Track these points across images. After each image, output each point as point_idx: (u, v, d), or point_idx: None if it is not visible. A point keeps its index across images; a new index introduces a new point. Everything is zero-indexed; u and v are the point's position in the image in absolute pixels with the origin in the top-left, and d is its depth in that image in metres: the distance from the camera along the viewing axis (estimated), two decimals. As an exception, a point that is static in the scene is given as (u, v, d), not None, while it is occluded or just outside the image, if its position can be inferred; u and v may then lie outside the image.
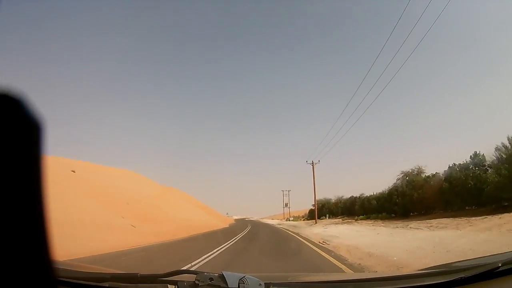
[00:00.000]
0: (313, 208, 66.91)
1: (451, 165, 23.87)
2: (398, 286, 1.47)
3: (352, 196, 45.41)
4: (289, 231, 24.47)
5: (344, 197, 51.45)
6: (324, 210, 54.54)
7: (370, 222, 28.38)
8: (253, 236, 19.30)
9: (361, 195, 43.33)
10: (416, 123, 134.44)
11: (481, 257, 2.02)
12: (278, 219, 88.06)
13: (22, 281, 0.41)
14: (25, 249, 0.41)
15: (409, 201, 26.72)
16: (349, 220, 33.51)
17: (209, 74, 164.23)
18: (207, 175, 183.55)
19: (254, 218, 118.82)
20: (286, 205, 74.73)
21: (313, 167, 38.05)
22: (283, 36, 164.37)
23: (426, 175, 28.04)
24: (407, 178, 31.64)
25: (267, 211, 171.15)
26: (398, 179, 32.74)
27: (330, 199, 57.04)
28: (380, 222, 26.93)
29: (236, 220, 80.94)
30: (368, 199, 37.71)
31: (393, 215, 28.92)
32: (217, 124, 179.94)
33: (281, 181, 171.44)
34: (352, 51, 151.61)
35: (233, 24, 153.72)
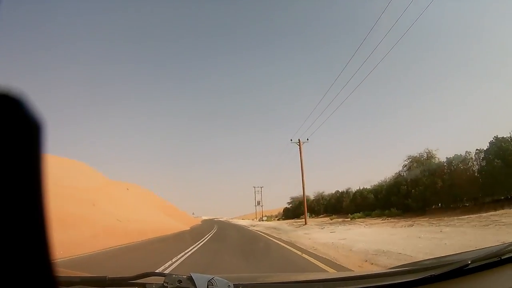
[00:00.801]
0: (288, 206, 59.55)
1: (493, 140, 17.79)
2: (368, 285, 1.43)
3: (338, 191, 39.02)
4: (272, 237, 15.16)
5: (325, 193, 45.26)
6: (302, 209, 47.79)
7: (377, 221, 21.68)
8: (214, 250, 10.34)
9: (348, 189, 37.22)
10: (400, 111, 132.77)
11: (451, 255, 2.00)
12: (248, 219, 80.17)
13: (21, 281, 0.40)
14: (26, 249, 0.40)
15: (431, 191, 20.36)
16: (344, 220, 26.69)
17: (181, 73, 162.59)
18: (175, 174, 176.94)
19: (224, 218, 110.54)
20: (259, 203, 66.81)
21: (300, 148, 29.14)
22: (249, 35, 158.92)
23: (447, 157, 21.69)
24: (414, 164, 25.66)
25: (238, 210, 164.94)
26: (404, 166, 26.61)
27: (308, 196, 50.67)
28: (392, 220, 20.36)
29: (203, 221, 72.20)
30: (361, 193, 31.36)
31: (397, 210, 22.61)
32: (188, 122, 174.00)
33: (252, 180, 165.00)
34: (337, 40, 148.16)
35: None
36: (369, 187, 30.88)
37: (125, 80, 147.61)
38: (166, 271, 8.81)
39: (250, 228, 28.44)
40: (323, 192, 46.34)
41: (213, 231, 22.44)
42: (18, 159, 0.40)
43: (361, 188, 32.36)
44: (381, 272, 1.81)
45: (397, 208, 22.97)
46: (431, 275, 1.34)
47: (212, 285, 1.25)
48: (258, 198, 67.48)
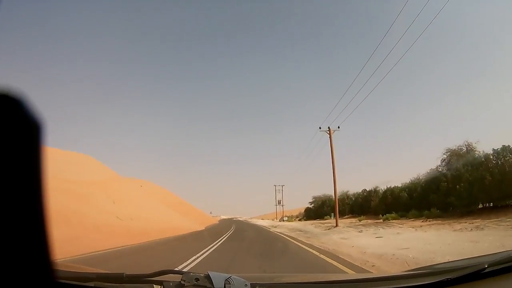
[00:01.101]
0: (310, 206, 55.57)
1: None
2: (385, 287, 1.46)
3: (365, 189, 35.77)
4: (301, 243, 12.03)
5: (350, 192, 42.00)
6: (325, 209, 44.85)
7: (418, 222, 18.67)
8: (226, 262, 7.48)
9: (376, 188, 34.01)
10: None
11: (468, 258, 1.95)
12: (268, 219, 77.58)
13: (22, 281, 0.41)
14: (26, 249, 0.41)
15: (478, 187, 17.14)
16: (376, 221, 23.66)
17: (200, 74, 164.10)
18: (196, 173, 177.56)
19: (243, 218, 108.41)
20: (279, 202, 63.81)
21: (330, 136, 23.78)
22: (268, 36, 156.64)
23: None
24: (454, 158, 22.34)
25: (257, 210, 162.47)
26: (443, 161, 23.31)
27: (330, 195, 47.48)
28: (435, 221, 17.33)
29: (220, 220, 70.36)
30: (392, 191, 28.18)
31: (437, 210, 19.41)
32: (208, 123, 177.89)
33: (272, 179, 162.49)
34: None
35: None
36: (400, 185, 27.65)
37: (148, 79, 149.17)
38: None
39: (271, 230, 25.04)
40: (347, 191, 43.23)
41: (229, 233, 20.09)
42: (18, 159, 0.40)
43: (392, 186, 29.14)
44: (398, 275, 1.78)
45: (436, 208, 19.78)
46: (447, 278, 1.33)
47: (229, 283, 1.25)
48: (279, 197, 64.60)
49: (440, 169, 23.36)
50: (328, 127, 24.18)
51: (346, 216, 37.84)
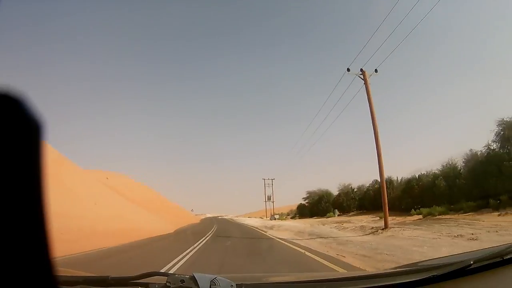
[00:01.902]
0: (304, 203, 47.24)
1: None
2: (369, 285, 1.41)
3: (377, 180, 29.52)
4: None
5: (352, 185, 35.83)
6: (323, 205, 38.48)
7: (501, 218, 12.39)
8: None
9: (390, 177, 27.92)
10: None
11: (453, 255, 2.06)
12: (255, 217, 70.48)
13: (21, 281, 0.40)
14: (26, 249, 0.40)
15: None
16: (411, 219, 17.35)
17: (188, 73, 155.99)
18: (182, 170, 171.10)
19: (229, 216, 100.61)
20: (269, 198, 56.35)
21: (366, 81, 14.07)
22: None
23: None
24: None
25: (244, 208, 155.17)
26: (498, 134, 17.25)
27: (327, 190, 41.15)
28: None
29: (203, 220, 61.98)
30: (420, 180, 22.11)
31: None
32: (195, 120, 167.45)
33: (260, 176, 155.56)
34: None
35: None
36: (436, 171, 21.48)
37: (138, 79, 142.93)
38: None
39: (268, 234, 16.33)
40: (349, 184, 37.11)
41: (203, 239, 12.83)
42: (18, 159, 0.40)
43: (423, 173, 22.95)
44: (384, 272, 1.79)
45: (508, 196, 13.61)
46: (433, 275, 1.31)
47: (215, 284, 1.23)
48: (268, 193, 57.42)
49: (493, 148, 17.43)
50: (361, 69, 14.32)
51: (351, 213, 31.69)
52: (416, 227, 12.24)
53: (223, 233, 17.58)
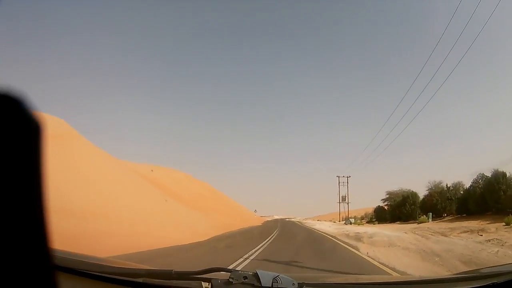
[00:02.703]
0: (382, 205, 39.20)
1: None
2: None
3: (483, 174, 23.57)
4: None
5: (441, 183, 29.77)
6: (408, 207, 32.85)
7: None
8: None
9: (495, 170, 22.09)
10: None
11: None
12: (325, 220, 65.50)
13: (22, 275, 0.41)
14: (25, 248, 0.41)
15: None
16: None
17: (260, 75, 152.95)
18: (249, 171, 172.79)
19: (297, 218, 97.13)
20: (344, 199, 50.98)
21: None
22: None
23: None
24: None
25: (315, 210, 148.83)
26: None
27: (409, 189, 35.04)
28: None
29: (266, 222, 54.91)
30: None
31: None
32: (264, 123, 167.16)
33: (331, 176, 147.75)
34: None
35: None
36: None
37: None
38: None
39: (363, 255, 9.29)
40: (440, 182, 31.03)
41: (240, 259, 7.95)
42: (18, 159, 0.40)
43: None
44: (443, 278, 1.77)
45: None
46: (493, 283, 1.30)
47: (277, 282, 1.26)
48: (342, 193, 51.90)
49: None
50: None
51: (448, 218, 25.93)
52: None
53: (278, 253, 9.84)
